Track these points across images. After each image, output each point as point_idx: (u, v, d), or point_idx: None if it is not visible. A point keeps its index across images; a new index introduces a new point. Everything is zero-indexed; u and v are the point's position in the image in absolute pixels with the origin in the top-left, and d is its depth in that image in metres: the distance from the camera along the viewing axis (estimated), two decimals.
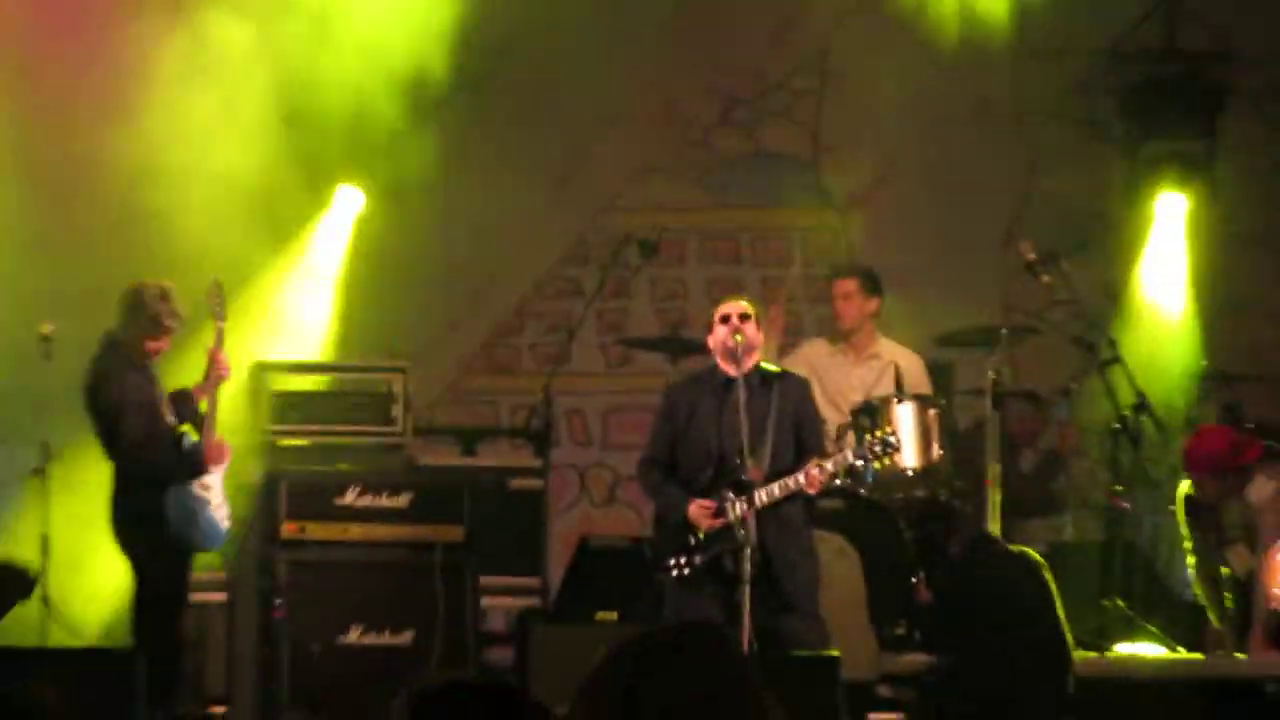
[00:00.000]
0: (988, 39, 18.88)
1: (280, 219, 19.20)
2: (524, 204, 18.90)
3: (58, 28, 19.09)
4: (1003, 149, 19.30)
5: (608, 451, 18.61)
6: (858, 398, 16.68)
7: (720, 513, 14.82)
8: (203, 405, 16.12)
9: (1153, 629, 17.11)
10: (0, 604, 16.65)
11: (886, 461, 15.63)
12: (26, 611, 17.02)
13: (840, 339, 17.50)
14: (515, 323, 19.39)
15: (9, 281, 18.73)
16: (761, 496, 14.69)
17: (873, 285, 17.23)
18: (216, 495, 15.71)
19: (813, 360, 17.23)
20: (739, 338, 14.88)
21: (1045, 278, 17.65)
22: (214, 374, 16.09)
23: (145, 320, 15.60)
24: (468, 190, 18.64)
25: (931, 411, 16.77)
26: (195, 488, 15.82)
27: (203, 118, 18.73)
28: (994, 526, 16.95)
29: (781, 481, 14.86)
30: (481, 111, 19.22)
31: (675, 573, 15.01)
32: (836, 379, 16.97)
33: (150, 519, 15.59)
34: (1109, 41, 19.08)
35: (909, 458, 16.52)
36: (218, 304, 16.39)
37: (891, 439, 15.29)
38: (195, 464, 15.59)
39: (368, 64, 18.76)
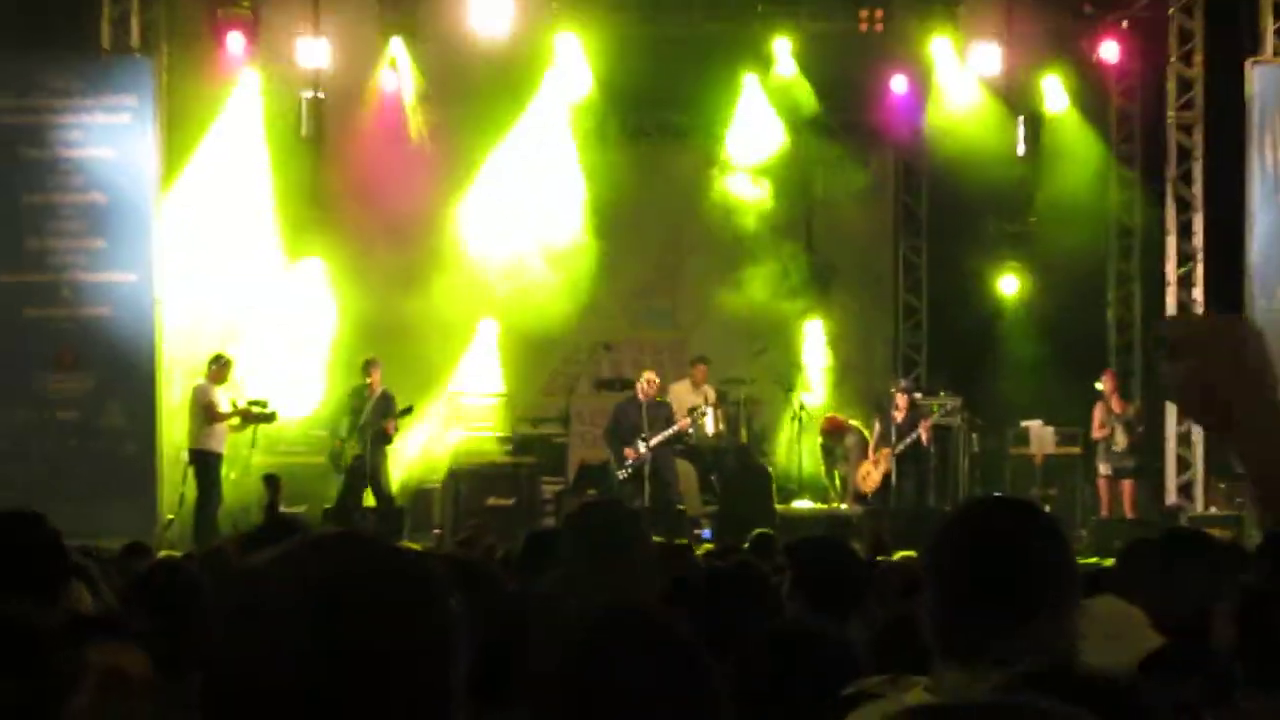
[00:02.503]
0: None
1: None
2: (564, 330, 17.90)
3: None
4: None
5: (593, 427, 17.78)
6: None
7: (636, 450, 15.57)
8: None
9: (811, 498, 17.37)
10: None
11: (703, 422, 16.38)
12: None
13: (693, 384, 16.80)
14: (555, 377, 18.78)
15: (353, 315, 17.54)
16: (654, 441, 15.41)
17: (708, 365, 17.02)
18: None
19: (679, 392, 16.71)
20: (646, 385, 15.78)
21: (761, 357, 17.99)
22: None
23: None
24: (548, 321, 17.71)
25: (719, 409, 16.84)
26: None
27: None
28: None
29: (663, 434, 15.55)
30: None
31: (622, 475, 15.64)
32: (688, 400, 16.51)
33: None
34: None
35: (709, 427, 16.70)
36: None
37: (704, 412, 16.19)
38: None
39: None
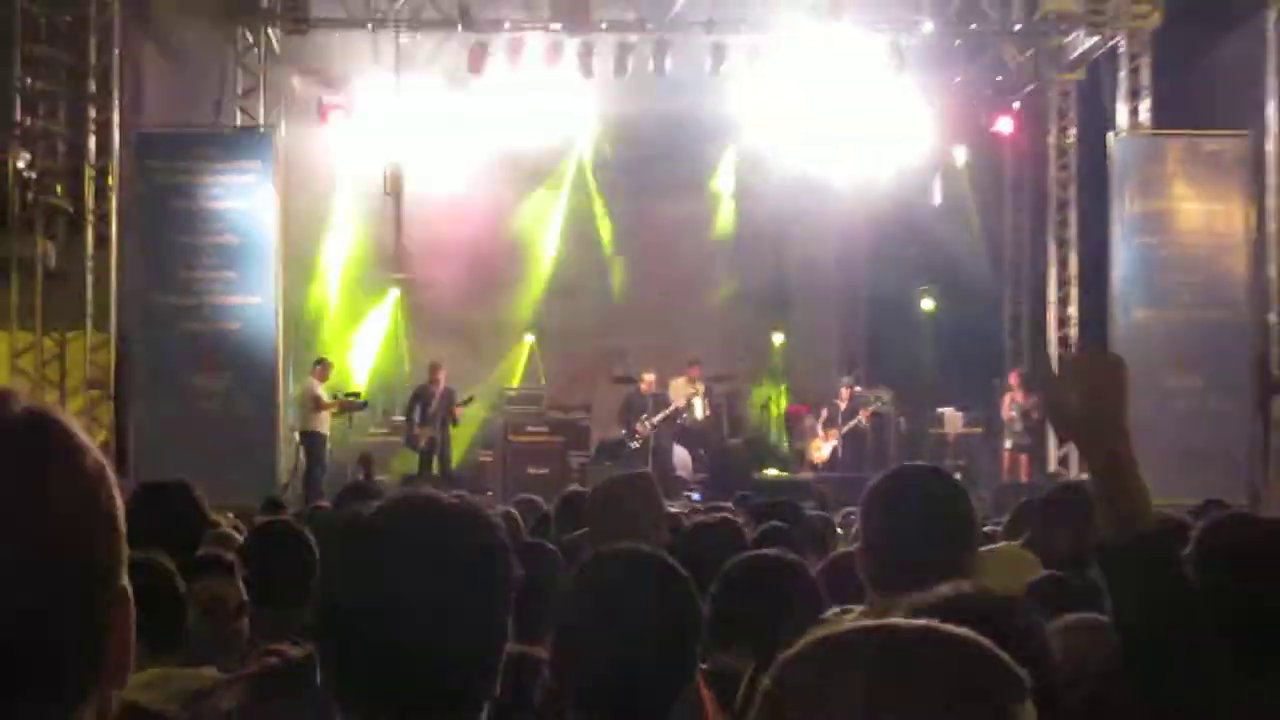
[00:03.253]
0: None
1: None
2: (587, 339, 17.96)
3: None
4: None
5: (609, 413, 17.02)
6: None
7: (644, 426, 15.69)
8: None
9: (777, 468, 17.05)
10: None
11: (694, 408, 16.20)
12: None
13: (689, 379, 16.44)
14: (579, 375, 18.29)
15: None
16: (655, 419, 15.53)
17: (700, 364, 16.60)
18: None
19: (678, 384, 16.43)
20: (646, 382, 15.90)
21: (740, 361, 17.87)
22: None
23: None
24: (576, 332, 17.80)
25: (707, 399, 16.53)
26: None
27: None
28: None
29: (663, 413, 15.57)
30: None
31: (634, 445, 15.63)
32: (685, 390, 16.24)
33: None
34: None
35: (699, 413, 16.39)
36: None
37: (697, 392, 16.18)
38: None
39: None
